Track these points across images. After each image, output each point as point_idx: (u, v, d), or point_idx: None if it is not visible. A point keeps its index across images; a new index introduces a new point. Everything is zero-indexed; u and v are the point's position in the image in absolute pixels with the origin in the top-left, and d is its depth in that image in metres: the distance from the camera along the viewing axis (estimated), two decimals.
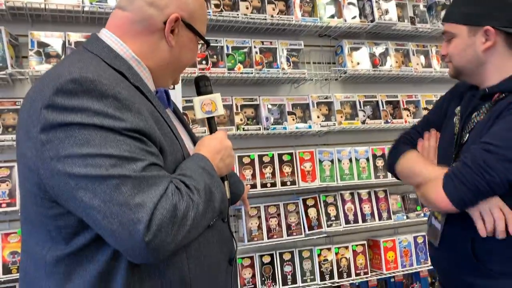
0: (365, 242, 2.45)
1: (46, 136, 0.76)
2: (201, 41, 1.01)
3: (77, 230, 0.81)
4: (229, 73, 2.14)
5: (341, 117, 2.40)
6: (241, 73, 2.16)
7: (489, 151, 1.04)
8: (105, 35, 0.94)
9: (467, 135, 1.17)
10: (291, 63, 2.31)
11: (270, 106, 2.30)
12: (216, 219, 0.97)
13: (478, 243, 1.11)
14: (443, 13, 2.52)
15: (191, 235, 0.84)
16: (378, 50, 2.49)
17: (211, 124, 1.09)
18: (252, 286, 2.21)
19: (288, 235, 2.27)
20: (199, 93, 1.09)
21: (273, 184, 2.25)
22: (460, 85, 1.33)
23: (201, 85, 1.09)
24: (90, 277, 0.81)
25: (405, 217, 2.50)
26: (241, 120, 2.23)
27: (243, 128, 2.20)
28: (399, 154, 1.32)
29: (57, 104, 0.76)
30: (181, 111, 1.60)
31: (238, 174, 2.20)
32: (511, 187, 1.04)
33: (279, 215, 2.29)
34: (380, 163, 2.47)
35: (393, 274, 2.46)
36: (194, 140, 1.11)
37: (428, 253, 2.51)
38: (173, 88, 1.81)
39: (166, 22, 0.92)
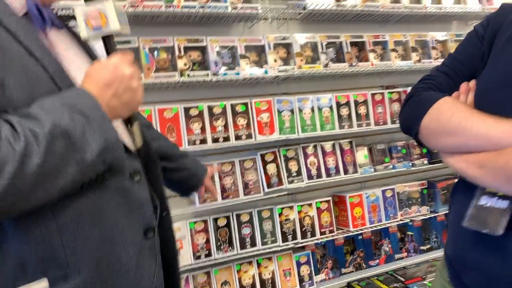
0: (330, 198, 2.25)
1: None
2: None
3: None
4: (167, 7, 1.79)
5: (301, 60, 2.12)
6: (182, 7, 1.82)
7: None
8: None
9: None
10: None
11: (219, 49, 1.99)
12: (110, 175, 0.72)
13: None
14: None
15: (22, 203, 0.60)
16: None
17: (107, 46, 0.80)
18: (207, 252, 1.98)
19: (245, 195, 2.04)
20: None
21: (226, 139, 1.98)
22: (507, 6, 0.89)
23: None
24: None
25: (372, 170, 2.31)
26: (185, 65, 1.91)
27: (188, 75, 1.89)
28: (428, 104, 0.86)
29: None
30: None
31: (185, 127, 1.91)
32: None
33: (234, 173, 2.04)
34: (345, 111, 2.23)
35: (361, 231, 2.29)
36: None
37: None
38: None
39: None
